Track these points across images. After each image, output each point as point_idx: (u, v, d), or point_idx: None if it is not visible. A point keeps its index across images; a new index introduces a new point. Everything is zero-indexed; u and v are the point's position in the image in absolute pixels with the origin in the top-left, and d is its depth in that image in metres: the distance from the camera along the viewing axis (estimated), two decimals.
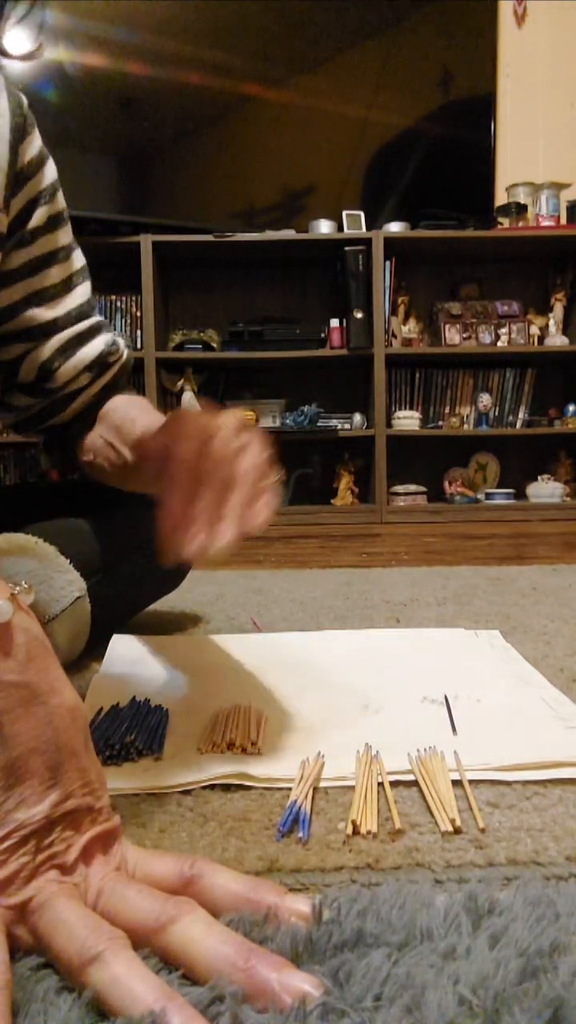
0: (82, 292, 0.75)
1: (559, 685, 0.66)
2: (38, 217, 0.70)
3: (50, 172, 0.72)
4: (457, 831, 0.42)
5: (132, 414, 0.74)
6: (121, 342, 0.79)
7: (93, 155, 2.56)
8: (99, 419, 0.77)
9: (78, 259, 0.76)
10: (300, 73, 2.69)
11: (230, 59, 2.63)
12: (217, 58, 2.62)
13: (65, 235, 0.74)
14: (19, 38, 0.66)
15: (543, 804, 0.45)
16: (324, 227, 2.63)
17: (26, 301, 0.71)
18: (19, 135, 0.67)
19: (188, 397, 2.66)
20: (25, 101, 0.69)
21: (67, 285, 0.74)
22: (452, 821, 0.42)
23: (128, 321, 2.63)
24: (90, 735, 0.36)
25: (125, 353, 0.79)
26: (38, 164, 0.70)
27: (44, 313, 0.72)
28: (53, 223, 0.72)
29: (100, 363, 0.76)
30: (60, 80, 2.46)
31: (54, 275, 0.73)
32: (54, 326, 0.73)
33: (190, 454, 0.48)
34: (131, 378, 0.84)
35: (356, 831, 0.42)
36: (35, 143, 0.69)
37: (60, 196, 0.73)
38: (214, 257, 2.68)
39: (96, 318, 0.77)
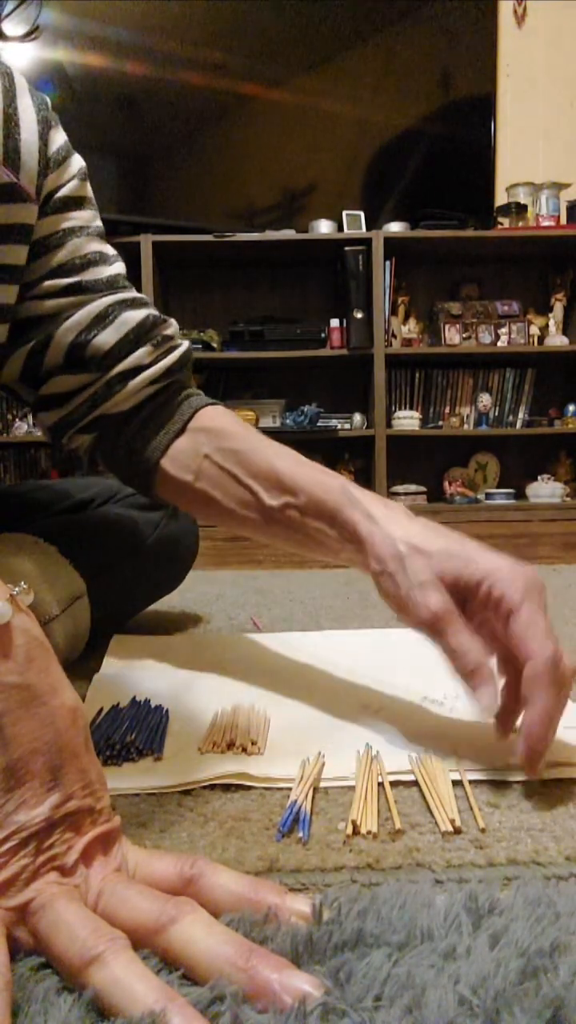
0: (117, 267, 0.72)
1: None
2: (69, 188, 0.70)
3: (77, 160, 0.72)
4: (457, 831, 0.42)
5: (265, 450, 0.63)
6: (175, 325, 0.73)
7: (93, 155, 2.53)
8: (198, 430, 0.67)
9: (111, 249, 0.73)
10: (300, 73, 2.69)
11: (230, 59, 2.63)
12: (217, 58, 2.62)
13: (96, 218, 0.72)
14: (15, 25, 0.66)
15: (543, 804, 0.45)
16: (324, 227, 2.63)
17: (53, 272, 0.68)
18: (45, 126, 0.68)
19: None
20: (48, 100, 0.70)
21: (101, 256, 0.70)
22: (452, 821, 0.42)
23: None
24: (90, 735, 0.36)
25: (185, 344, 0.72)
26: (66, 152, 0.70)
27: (69, 279, 0.68)
28: (80, 199, 0.71)
29: (150, 334, 0.69)
30: (60, 80, 2.47)
31: (82, 246, 0.69)
32: (79, 286, 0.68)
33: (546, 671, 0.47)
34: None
35: (356, 831, 0.42)
36: (61, 134, 0.71)
37: (88, 184, 0.72)
38: (214, 257, 2.68)
39: (137, 293, 0.72)
